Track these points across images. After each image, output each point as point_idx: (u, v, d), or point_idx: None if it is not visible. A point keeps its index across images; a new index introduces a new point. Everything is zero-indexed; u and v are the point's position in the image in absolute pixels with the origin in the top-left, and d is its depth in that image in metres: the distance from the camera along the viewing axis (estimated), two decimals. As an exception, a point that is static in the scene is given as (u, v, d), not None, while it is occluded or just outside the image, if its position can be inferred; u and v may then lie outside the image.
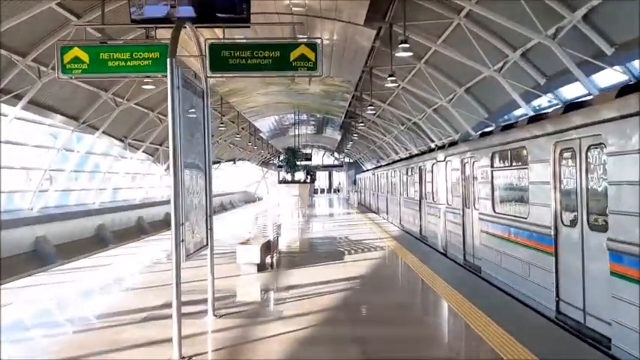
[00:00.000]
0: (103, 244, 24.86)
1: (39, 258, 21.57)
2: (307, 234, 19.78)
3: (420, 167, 18.18)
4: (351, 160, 74.99)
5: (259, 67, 7.03)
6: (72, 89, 20.37)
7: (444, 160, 14.42)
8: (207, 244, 7.25)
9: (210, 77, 7.25)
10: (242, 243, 11.55)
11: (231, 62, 7.02)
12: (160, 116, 29.26)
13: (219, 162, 51.46)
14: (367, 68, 23.42)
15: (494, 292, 9.07)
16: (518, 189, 9.09)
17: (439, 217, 14.98)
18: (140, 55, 6.66)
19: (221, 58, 7.02)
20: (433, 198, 15.83)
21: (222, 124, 29.94)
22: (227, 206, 55.69)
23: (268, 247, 12.06)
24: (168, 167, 38.43)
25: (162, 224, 33.25)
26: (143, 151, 32.60)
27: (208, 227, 7.27)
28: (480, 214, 10.83)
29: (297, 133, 37.63)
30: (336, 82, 23.82)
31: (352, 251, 14.19)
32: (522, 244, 8.60)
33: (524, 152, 8.47)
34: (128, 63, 6.67)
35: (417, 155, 20.85)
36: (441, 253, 14.27)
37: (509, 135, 9.39)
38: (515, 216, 9.07)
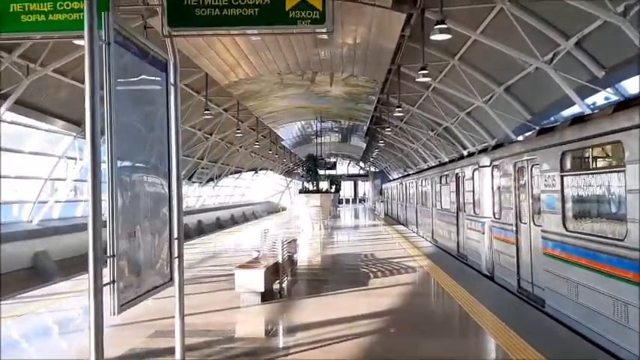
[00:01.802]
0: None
1: (38, 274, 19.77)
2: (328, 250, 17.54)
3: (457, 175, 15.81)
4: (377, 170, 72.60)
5: (239, 21, 4.80)
6: (69, 90, 18.54)
7: (489, 165, 12.07)
8: (170, 280, 5.08)
9: (174, 36, 5.07)
10: (242, 266, 9.36)
11: (199, 13, 4.84)
12: (173, 122, 27.43)
13: (240, 171, 49.58)
14: (394, 66, 21.17)
15: (570, 337, 6.73)
16: (606, 200, 6.75)
17: (482, 233, 12.60)
18: (67, 5, 4.53)
19: (184, 8, 4.84)
20: (474, 210, 13.46)
21: (238, 129, 27.94)
22: (249, 217, 53.88)
23: (276, 270, 9.88)
24: (192, 177, 36.76)
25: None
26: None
27: (173, 256, 5.12)
28: (544, 231, 8.47)
29: (319, 141, 35.37)
30: (361, 82, 21.62)
31: (380, 273, 11.90)
32: (616, 277, 6.22)
33: (620, 149, 6.11)
34: (50, 17, 4.54)
35: (452, 161, 18.47)
36: (486, 276, 11.89)
37: (590, 127, 7.03)
38: (601, 236, 6.70)
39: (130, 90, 4.42)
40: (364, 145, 51.17)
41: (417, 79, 16.53)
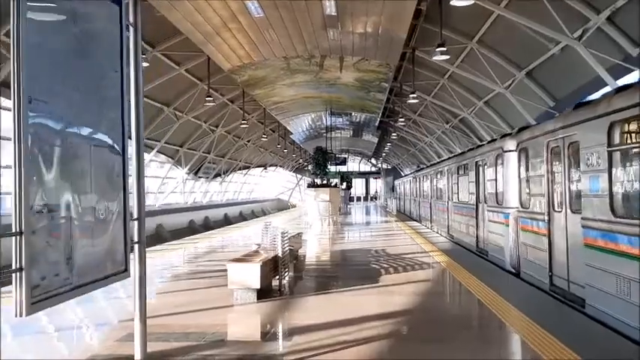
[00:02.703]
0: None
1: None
2: (337, 246, 16.38)
3: (476, 163, 14.56)
4: (389, 167, 71.28)
5: None
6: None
7: (515, 149, 10.83)
8: (125, 270, 3.94)
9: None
10: (236, 260, 8.22)
11: None
12: (177, 113, 26.43)
13: (248, 167, 48.54)
14: (409, 50, 19.94)
15: (620, 343, 5.53)
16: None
17: (506, 226, 11.36)
18: None
19: None
20: (497, 200, 12.22)
21: (244, 120, 26.82)
22: (258, 214, 52.87)
23: (276, 265, 8.74)
24: (191, 170, 35.74)
25: (187, 232, 30.37)
26: (162, 153, 29.82)
27: (128, 245, 3.97)
28: (585, 219, 7.24)
29: (329, 135, 34.14)
30: (373, 67, 20.37)
31: (392, 269, 10.73)
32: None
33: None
34: None
35: (471, 149, 17.21)
36: (511, 273, 10.66)
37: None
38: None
39: (57, 24, 3.31)
40: (376, 141, 49.90)
41: (434, 57, 15.29)
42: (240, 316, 7.27)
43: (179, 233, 30.10)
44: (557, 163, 8.56)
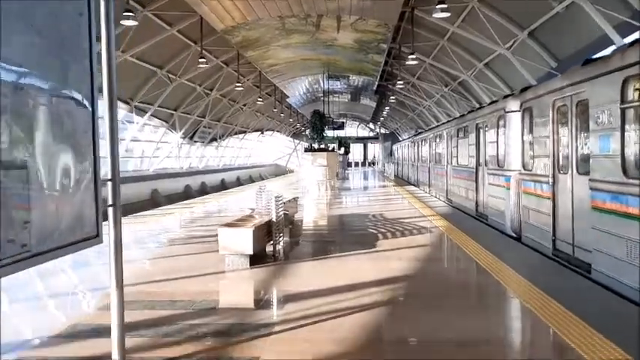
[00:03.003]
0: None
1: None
2: (334, 210, 16.08)
3: (477, 126, 14.15)
4: (387, 132, 70.76)
5: None
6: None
7: (518, 110, 10.41)
8: (96, 236, 3.58)
9: None
10: (227, 225, 7.89)
11: None
12: (170, 75, 25.83)
13: (244, 132, 48.00)
14: (408, 9, 19.30)
15: (629, 310, 5.24)
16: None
17: (507, 189, 11.03)
18: None
19: None
20: (498, 163, 11.86)
21: (239, 83, 26.22)
22: (256, 179, 52.54)
23: (269, 230, 8.41)
24: (186, 135, 35.20)
25: (183, 197, 30.05)
26: (155, 117, 29.30)
27: (100, 209, 3.60)
28: (593, 181, 6.89)
29: (325, 89, 33.44)
30: (371, 28, 19.72)
31: (390, 234, 10.43)
32: None
33: None
34: None
35: (471, 112, 16.77)
36: (511, 237, 10.37)
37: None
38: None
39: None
40: (374, 105, 49.30)
41: (434, 15, 14.73)
42: (231, 282, 6.97)
43: (175, 198, 29.79)
44: (563, 122, 8.17)
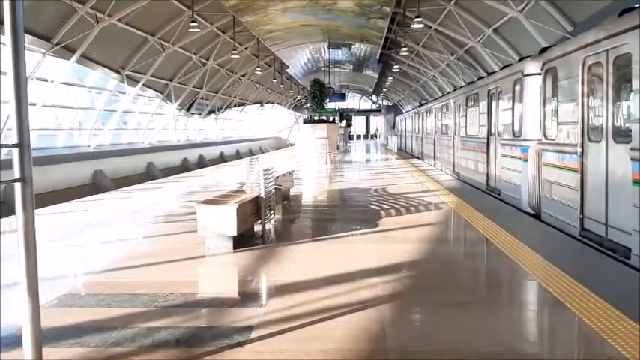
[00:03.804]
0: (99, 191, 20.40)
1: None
2: (334, 185, 15.07)
3: (488, 92, 13.02)
4: (390, 104, 69.30)
5: None
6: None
7: (539, 72, 9.29)
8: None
9: None
10: (208, 202, 6.87)
11: None
12: (163, 43, 24.60)
13: (243, 104, 46.73)
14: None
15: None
16: None
17: (524, 161, 9.97)
18: None
19: None
20: (513, 133, 10.78)
21: (234, 50, 24.94)
22: (256, 153, 51.44)
23: (258, 208, 7.40)
24: (182, 106, 34.01)
25: (180, 170, 29.07)
26: (149, 87, 28.12)
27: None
28: (634, 150, 5.82)
29: (326, 58, 32.10)
30: (373, -12, 18.46)
31: (394, 211, 9.42)
32: None
33: None
34: None
35: (481, 78, 15.61)
36: (528, 214, 9.35)
37: None
38: None
39: None
40: (377, 76, 47.88)
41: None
42: (207, 271, 5.98)
43: (171, 172, 28.78)
44: (596, 83, 7.07)
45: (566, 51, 7.85)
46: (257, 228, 7.48)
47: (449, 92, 22.69)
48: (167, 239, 7.47)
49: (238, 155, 46.76)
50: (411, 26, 20.27)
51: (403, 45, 25.34)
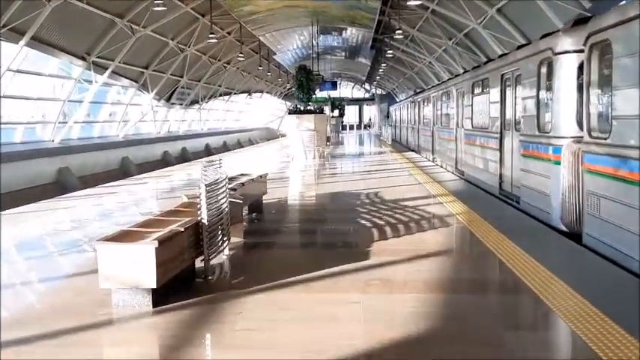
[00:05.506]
0: (63, 191, 18.07)
1: None
2: (319, 188, 12.95)
3: (502, 77, 10.87)
4: (384, 92, 67.05)
5: None
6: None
7: (579, 50, 7.15)
8: None
9: None
10: (112, 238, 4.63)
11: None
12: (133, 26, 22.27)
13: (229, 93, 44.35)
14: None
15: None
16: None
17: (555, 163, 7.84)
18: None
19: None
20: (538, 127, 8.64)
21: (212, 34, 22.61)
22: (245, 144, 49.16)
23: (198, 238, 5.21)
24: (161, 96, 31.68)
25: (161, 165, 26.83)
26: (123, 75, 25.80)
27: None
28: None
29: (314, 43, 29.77)
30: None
31: (389, 230, 7.27)
32: None
33: None
34: None
35: (491, 60, 13.45)
36: (561, 233, 7.22)
37: None
38: None
39: None
40: (370, 63, 45.57)
41: None
42: (105, 352, 3.82)
43: (150, 166, 26.49)
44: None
45: (629, 16, 5.65)
46: (201, 264, 5.32)
47: (449, 78, 20.48)
48: (65, 286, 5.29)
49: (226, 147, 44.43)
50: (407, 3, 18.00)
51: (398, 28, 23.13)
